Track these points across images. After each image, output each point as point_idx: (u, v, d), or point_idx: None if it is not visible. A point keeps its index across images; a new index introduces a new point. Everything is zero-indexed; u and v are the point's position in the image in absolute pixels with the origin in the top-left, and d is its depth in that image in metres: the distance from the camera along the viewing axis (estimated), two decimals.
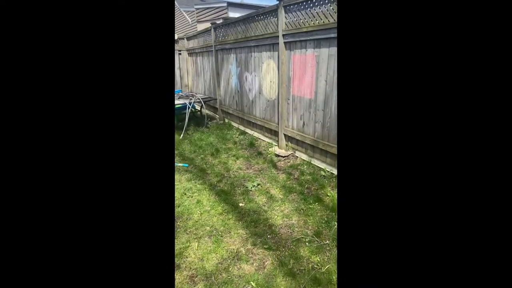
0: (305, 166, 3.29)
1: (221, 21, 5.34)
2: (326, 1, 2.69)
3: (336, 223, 2.19)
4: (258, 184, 2.93)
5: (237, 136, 4.69)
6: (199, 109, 6.19)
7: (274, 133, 4.07)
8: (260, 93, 4.23)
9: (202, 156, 3.83)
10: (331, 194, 2.62)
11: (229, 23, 4.73)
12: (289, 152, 3.68)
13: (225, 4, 7.79)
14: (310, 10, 2.91)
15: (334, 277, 1.67)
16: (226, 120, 5.64)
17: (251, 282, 1.67)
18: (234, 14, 7.91)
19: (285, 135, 3.77)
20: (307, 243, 2.01)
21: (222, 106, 5.71)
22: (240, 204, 2.59)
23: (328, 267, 1.76)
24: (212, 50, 5.54)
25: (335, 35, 2.64)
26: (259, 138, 4.46)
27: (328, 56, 2.82)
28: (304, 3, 2.95)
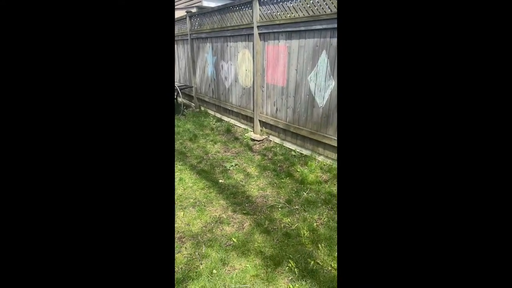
0: (278, 148, 3.62)
1: (195, 9, 5.40)
2: None
3: (304, 193, 2.54)
4: (236, 164, 3.20)
5: (214, 123, 4.88)
6: (174, 97, 6.22)
7: (249, 120, 4.34)
8: (236, 81, 4.45)
9: (180, 141, 3.99)
10: (300, 170, 2.97)
11: (205, 12, 4.84)
12: (264, 137, 3.98)
13: None
14: (282, 4, 3.18)
15: (301, 232, 2.02)
16: (202, 108, 5.78)
17: (233, 239, 1.96)
18: (208, 3, 7.92)
19: (260, 121, 4.06)
20: (279, 209, 2.33)
21: (198, 94, 5.83)
22: (220, 181, 2.84)
23: (297, 225, 2.10)
24: (188, 39, 5.60)
25: (304, 28, 2.95)
26: (235, 125, 4.70)
27: (298, 47, 3.13)
28: None
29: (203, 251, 1.84)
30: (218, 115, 5.21)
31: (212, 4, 7.70)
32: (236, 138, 4.10)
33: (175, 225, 2.12)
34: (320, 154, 3.20)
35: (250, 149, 3.70)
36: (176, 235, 2.00)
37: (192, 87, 5.87)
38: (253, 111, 4.11)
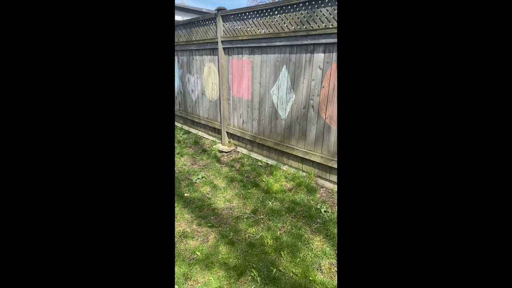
0: (245, 159, 3.68)
1: None
2: (257, 15, 3.14)
3: (270, 202, 2.61)
4: (203, 177, 3.19)
5: (181, 135, 4.83)
6: None
7: (217, 131, 4.37)
8: (203, 94, 4.48)
9: None
10: (266, 180, 3.05)
11: None
12: (232, 148, 4.03)
13: None
14: (244, 22, 3.32)
15: (265, 241, 2.07)
16: None
17: (197, 252, 1.94)
18: None
19: (227, 132, 4.11)
20: (245, 219, 2.37)
21: None
22: (186, 194, 2.81)
23: (261, 235, 2.15)
24: None
25: (266, 44, 3.11)
26: (203, 137, 4.69)
27: (261, 62, 3.27)
28: (239, 14, 3.35)
29: None
30: (186, 128, 5.16)
31: (177, 18, 7.73)
32: (204, 150, 4.09)
33: None
34: (284, 164, 3.32)
35: (218, 160, 3.71)
36: None
37: None
38: (221, 123, 4.15)
